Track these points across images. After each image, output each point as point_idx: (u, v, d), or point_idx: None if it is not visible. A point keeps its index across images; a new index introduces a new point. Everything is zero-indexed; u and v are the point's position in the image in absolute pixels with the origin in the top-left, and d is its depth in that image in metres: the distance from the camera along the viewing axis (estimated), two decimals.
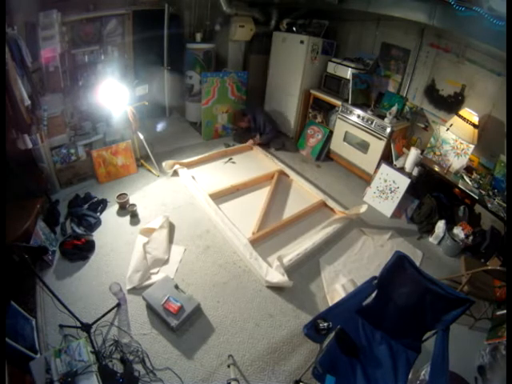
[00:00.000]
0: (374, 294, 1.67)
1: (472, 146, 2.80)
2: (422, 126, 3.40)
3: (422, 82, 3.33)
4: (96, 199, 2.81)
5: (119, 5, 3.33)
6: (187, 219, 2.77)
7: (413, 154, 3.06)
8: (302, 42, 3.76)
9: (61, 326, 1.80)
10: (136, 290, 2.08)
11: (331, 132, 3.92)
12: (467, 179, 2.84)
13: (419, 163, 3.08)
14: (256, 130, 4.12)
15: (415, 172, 3.06)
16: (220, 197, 3.06)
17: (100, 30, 3.26)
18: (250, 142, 4.03)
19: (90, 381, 1.47)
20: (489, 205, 2.55)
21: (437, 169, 3.00)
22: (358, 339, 1.60)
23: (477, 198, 2.63)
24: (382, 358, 1.54)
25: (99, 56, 3.32)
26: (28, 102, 2.32)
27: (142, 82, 3.33)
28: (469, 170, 2.96)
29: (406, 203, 3.16)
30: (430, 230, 2.93)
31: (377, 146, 3.37)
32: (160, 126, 4.32)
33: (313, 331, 1.33)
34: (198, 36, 4.03)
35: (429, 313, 1.54)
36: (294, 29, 3.96)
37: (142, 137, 3.23)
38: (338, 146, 3.88)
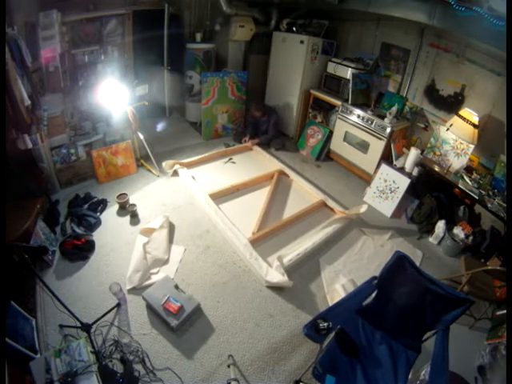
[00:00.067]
0: (374, 294, 1.67)
1: (472, 146, 2.80)
2: (422, 126, 3.40)
3: (422, 82, 3.33)
4: (96, 199, 2.81)
5: (119, 5, 3.33)
6: (187, 219, 2.77)
7: (413, 153, 3.06)
8: (302, 42, 3.76)
9: (61, 326, 1.80)
10: (136, 290, 2.08)
11: (331, 132, 3.92)
12: (467, 179, 2.84)
13: (419, 163, 3.08)
14: (258, 127, 4.12)
15: (415, 172, 3.06)
16: (220, 197, 3.06)
17: (100, 30, 3.26)
18: (250, 142, 4.03)
19: (89, 381, 1.47)
20: (489, 205, 2.55)
21: (437, 169, 3.00)
22: (358, 339, 1.60)
23: (477, 197, 2.63)
24: (381, 358, 1.54)
25: (99, 56, 3.32)
26: (28, 102, 2.32)
27: (141, 82, 3.33)
28: (469, 170, 2.96)
29: (406, 203, 3.16)
30: (430, 230, 2.93)
31: (377, 146, 3.37)
32: (160, 126, 4.32)
33: (313, 331, 1.33)
34: (198, 36, 4.03)
35: (429, 313, 1.54)
36: (294, 29, 3.96)
37: (142, 137, 3.23)
38: (338, 145, 3.88)
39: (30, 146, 2.43)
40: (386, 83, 3.70)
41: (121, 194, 2.83)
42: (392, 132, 3.21)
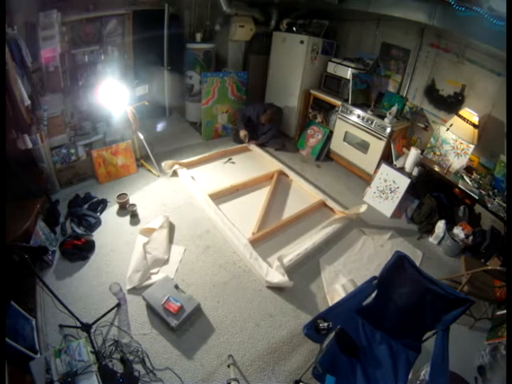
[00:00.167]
0: (373, 294, 1.67)
1: (472, 146, 2.80)
2: (422, 126, 3.40)
3: (422, 81, 3.33)
4: (96, 199, 2.81)
5: (119, 5, 3.33)
6: (187, 219, 2.77)
7: (413, 154, 3.06)
8: (302, 42, 3.76)
9: (61, 326, 1.80)
10: (136, 290, 2.08)
11: (331, 132, 3.92)
12: (467, 179, 2.84)
13: (419, 163, 3.08)
14: (256, 126, 4.10)
15: (415, 172, 3.06)
16: (220, 197, 3.06)
17: (100, 30, 3.25)
18: (248, 140, 4.02)
19: (90, 381, 1.47)
20: (489, 205, 2.55)
21: (437, 169, 3.00)
22: (358, 339, 1.60)
23: (477, 197, 2.63)
24: (382, 358, 1.54)
25: (99, 56, 3.32)
26: (28, 102, 2.32)
27: (141, 82, 3.33)
28: (469, 170, 2.96)
29: (406, 203, 3.16)
30: (430, 230, 2.93)
31: (377, 146, 3.37)
32: (160, 126, 4.32)
33: (313, 331, 1.33)
34: (198, 36, 4.03)
35: (429, 313, 1.54)
36: (294, 29, 3.96)
37: (142, 137, 3.23)
38: (338, 145, 3.88)
39: (30, 145, 2.43)
40: (385, 83, 3.70)
41: (121, 194, 2.83)
42: (392, 132, 3.21)
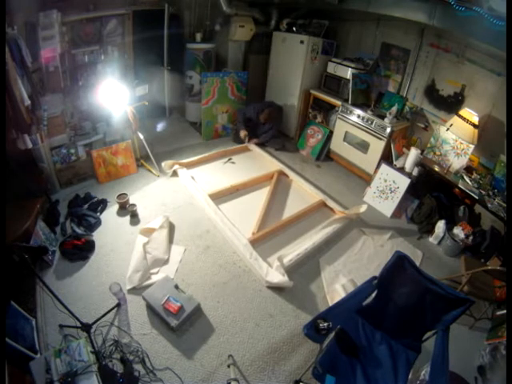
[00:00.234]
0: (373, 294, 1.67)
1: (472, 146, 2.80)
2: (422, 126, 3.40)
3: (422, 81, 3.33)
4: (96, 199, 2.81)
5: (119, 5, 3.33)
6: (187, 219, 2.77)
7: (413, 154, 3.06)
8: (302, 42, 3.76)
9: (61, 326, 1.80)
10: (136, 290, 2.08)
11: (331, 132, 3.92)
12: (467, 179, 2.84)
13: (419, 163, 3.08)
14: (256, 125, 4.09)
15: (415, 172, 3.06)
16: (220, 197, 3.06)
17: (100, 30, 3.25)
18: (248, 139, 4.02)
19: (90, 381, 1.47)
20: (489, 205, 2.55)
21: (437, 169, 3.00)
22: (358, 339, 1.60)
23: (477, 197, 2.63)
24: (382, 358, 1.54)
25: (99, 56, 3.32)
26: (28, 102, 2.32)
27: (141, 82, 3.33)
28: (469, 170, 2.96)
29: (406, 203, 3.16)
30: (430, 230, 2.93)
31: (377, 146, 3.37)
32: (160, 126, 4.32)
33: (313, 331, 1.33)
34: (198, 36, 4.03)
35: (429, 313, 1.54)
36: (294, 29, 3.96)
37: (142, 137, 3.23)
38: (338, 145, 3.88)
39: (30, 145, 2.43)
40: (385, 83, 3.70)
41: (121, 194, 2.83)
42: (392, 132, 3.21)
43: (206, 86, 3.85)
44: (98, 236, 2.48)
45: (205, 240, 2.59)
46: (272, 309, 2.10)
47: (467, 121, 2.71)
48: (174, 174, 3.34)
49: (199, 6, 4.06)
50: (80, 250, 2.28)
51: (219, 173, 3.50)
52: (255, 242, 2.54)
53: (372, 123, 3.36)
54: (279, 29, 4.15)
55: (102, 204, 2.79)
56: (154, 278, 2.17)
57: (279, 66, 4.23)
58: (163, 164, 3.33)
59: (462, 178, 2.86)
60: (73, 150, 2.96)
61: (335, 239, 2.74)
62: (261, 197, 3.11)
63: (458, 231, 2.72)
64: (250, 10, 4.10)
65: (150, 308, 1.96)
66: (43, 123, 2.64)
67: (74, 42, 3.06)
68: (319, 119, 4.11)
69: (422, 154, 3.12)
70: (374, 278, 1.65)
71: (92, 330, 1.74)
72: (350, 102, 3.57)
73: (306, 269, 2.42)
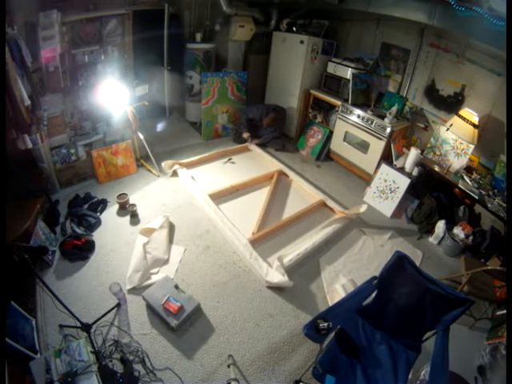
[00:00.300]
0: (373, 294, 1.67)
1: (472, 146, 2.80)
2: (422, 126, 3.40)
3: (422, 82, 3.33)
4: (96, 199, 2.81)
5: (119, 5, 3.33)
6: (187, 219, 2.77)
7: (413, 154, 3.06)
8: (302, 41, 3.76)
9: (61, 326, 1.81)
10: (136, 290, 2.08)
11: (331, 132, 3.92)
12: (467, 179, 2.84)
13: (419, 163, 3.08)
14: (257, 127, 4.09)
15: (415, 172, 3.06)
16: (220, 197, 3.06)
17: (100, 30, 3.25)
18: (250, 140, 4.02)
19: (90, 381, 1.47)
20: (489, 205, 2.55)
21: (437, 169, 3.00)
22: (358, 339, 1.60)
23: (477, 197, 2.63)
24: (382, 358, 1.54)
25: (99, 56, 3.32)
26: (28, 102, 2.32)
27: (141, 82, 3.33)
28: (469, 170, 2.96)
29: (406, 203, 3.16)
30: (430, 230, 2.93)
31: (377, 146, 3.37)
32: (160, 126, 4.32)
33: (313, 331, 1.33)
34: (198, 36, 4.03)
35: (429, 313, 1.54)
36: (294, 29, 3.96)
37: (142, 137, 3.23)
38: (338, 145, 3.88)
39: (30, 145, 2.43)
40: (385, 83, 3.70)
41: (121, 194, 2.83)
42: (392, 132, 3.21)
43: (206, 86, 3.85)
44: (98, 236, 2.48)
45: (205, 240, 2.59)
46: (272, 309, 2.10)
47: (467, 121, 2.71)
48: (174, 174, 3.34)
49: (199, 5, 4.06)
50: (80, 250, 2.28)
51: (219, 173, 3.50)
52: (255, 242, 2.54)
53: (372, 123, 3.36)
54: (279, 29, 4.15)
55: (102, 204, 2.79)
56: (154, 278, 2.17)
57: (279, 66, 4.23)
58: (163, 164, 3.33)
59: (462, 177, 2.86)
60: (73, 150, 2.96)
61: (335, 239, 2.74)
62: (261, 197, 3.11)
63: (458, 231, 2.72)
64: (249, 10, 4.09)
65: (150, 308, 1.96)
66: (43, 123, 2.64)
67: (73, 42, 3.06)
68: (319, 119, 4.11)
69: (422, 153, 3.12)
70: (374, 277, 1.65)
71: (92, 330, 1.74)
72: (349, 102, 3.57)
73: (305, 269, 2.42)
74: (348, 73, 3.60)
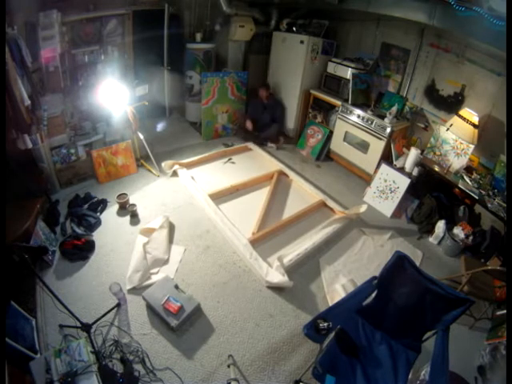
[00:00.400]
0: (374, 294, 1.67)
1: (472, 146, 2.80)
2: (422, 126, 3.40)
3: (422, 82, 3.33)
4: (96, 199, 2.81)
5: (119, 5, 3.33)
6: (187, 219, 2.77)
7: (413, 154, 3.06)
8: (302, 42, 3.76)
9: (61, 326, 1.81)
10: (136, 290, 2.08)
11: (331, 132, 3.92)
12: (467, 179, 2.84)
13: (419, 163, 3.08)
14: (260, 117, 4.10)
15: (415, 172, 3.06)
16: (220, 197, 3.06)
17: (100, 30, 3.25)
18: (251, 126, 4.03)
19: (90, 381, 1.47)
20: (489, 205, 2.55)
21: (437, 169, 3.00)
22: (357, 339, 1.60)
23: (477, 197, 2.63)
24: (382, 358, 1.54)
25: (99, 56, 3.32)
26: (28, 102, 2.32)
27: (141, 82, 3.33)
28: (469, 170, 2.96)
29: (406, 203, 3.16)
30: (430, 230, 2.93)
31: (377, 146, 3.37)
32: (160, 126, 4.32)
33: (313, 331, 1.33)
34: (198, 36, 4.03)
35: (429, 313, 1.54)
36: (294, 29, 3.96)
37: (142, 137, 3.23)
38: (338, 145, 3.88)
39: (30, 145, 2.43)
40: (385, 83, 3.70)
41: (121, 194, 2.83)
42: (392, 132, 3.21)
43: (206, 86, 3.85)
44: (98, 236, 2.48)
45: (205, 240, 2.59)
46: (272, 309, 2.10)
47: (467, 121, 2.71)
48: (174, 174, 3.34)
49: (199, 5, 4.06)
50: (80, 250, 2.28)
51: (219, 173, 3.50)
52: (255, 242, 2.54)
53: (372, 123, 3.36)
54: (279, 29, 4.15)
55: (102, 204, 2.79)
56: (154, 278, 2.17)
57: (279, 66, 4.23)
58: (163, 164, 3.33)
59: (462, 178, 2.86)
60: (73, 150, 2.96)
61: (335, 239, 2.74)
62: (261, 197, 3.11)
63: (458, 231, 2.72)
64: (249, 10, 4.09)
65: (150, 308, 1.96)
66: (43, 123, 2.64)
67: (74, 42, 3.06)
68: (319, 119, 4.11)
69: (422, 153, 3.12)
70: (374, 277, 1.65)
71: (92, 330, 1.74)
72: (350, 102, 3.57)
73: (305, 269, 2.42)
74: (348, 73, 3.59)
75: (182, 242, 2.54)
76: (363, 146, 3.55)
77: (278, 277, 2.20)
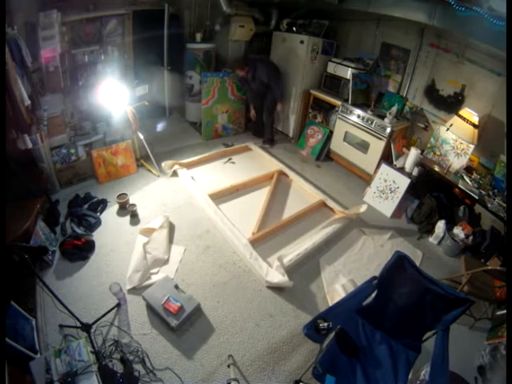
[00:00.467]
0: (373, 294, 1.67)
1: (472, 146, 2.80)
2: (422, 126, 3.40)
3: (422, 82, 3.33)
4: (96, 199, 2.81)
5: (119, 5, 3.33)
6: (187, 219, 2.77)
7: (413, 153, 3.06)
8: (302, 42, 3.76)
9: (61, 326, 1.81)
10: (136, 290, 2.08)
11: (331, 132, 3.92)
12: (467, 179, 2.84)
13: (419, 163, 3.08)
14: (253, 91, 3.90)
15: (415, 172, 3.06)
16: (220, 197, 3.06)
17: (100, 30, 3.25)
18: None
19: (90, 381, 1.47)
20: (489, 205, 2.55)
21: (437, 169, 3.00)
22: (358, 339, 1.60)
23: (477, 197, 2.63)
24: (382, 358, 1.54)
25: (99, 56, 3.32)
26: (28, 102, 2.32)
27: (141, 82, 3.33)
28: (469, 170, 2.96)
29: (406, 203, 3.16)
30: (430, 230, 2.93)
31: (377, 146, 3.37)
32: (160, 126, 4.32)
33: (313, 331, 1.33)
34: (198, 36, 4.02)
35: (429, 313, 1.54)
36: (294, 29, 3.96)
37: (142, 137, 3.23)
38: (338, 145, 3.88)
39: (30, 145, 2.43)
40: (386, 83, 3.70)
41: (121, 194, 2.83)
42: (392, 132, 3.21)
43: (206, 86, 3.85)
44: (98, 236, 2.48)
45: (205, 240, 2.59)
46: (272, 309, 2.10)
47: (467, 121, 2.71)
48: (174, 174, 3.34)
49: (199, 5, 4.05)
50: (80, 250, 2.28)
51: (219, 173, 3.50)
52: (255, 242, 2.54)
53: (372, 123, 3.36)
54: (279, 29, 4.15)
55: (102, 204, 2.79)
56: (154, 278, 2.17)
57: (279, 66, 4.20)
58: (163, 164, 3.33)
59: (462, 178, 2.86)
60: (73, 150, 2.96)
61: (335, 239, 2.74)
62: (261, 197, 3.11)
63: (458, 231, 2.72)
64: (249, 10, 4.09)
65: (150, 308, 1.96)
66: (43, 123, 2.64)
67: (74, 42, 3.06)
68: (319, 119, 4.11)
69: (422, 153, 3.12)
70: (374, 277, 1.65)
71: (92, 330, 1.74)
72: (350, 102, 3.57)
73: (305, 269, 2.42)
74: (348, 73, 3.59)
75: (182, 242, 2.54)
76: (363, 146, 3.55)
77: (277, 277, 2.20)
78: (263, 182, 3.37)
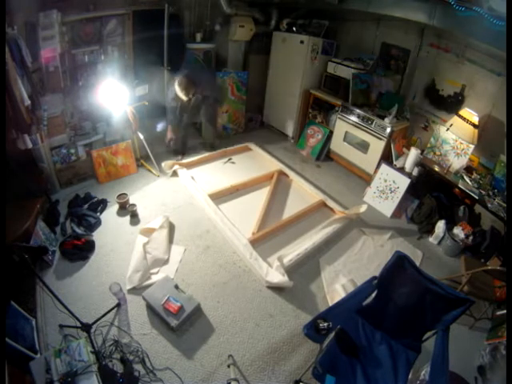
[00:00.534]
0: (373, 294, 1.67)
1: (472, 146, 2.80)
2: (422, 126, 3.41)
3: (421, 82, 3.34)
4: (96, 199, 2.81)
5: (119, 5, 3.32)
6: (187, 219, 2.77)
7: (413, 154, 3.06)
8: (301, 41, 3.76)
9: (61, 326, 1.80)
10: (136, 290, 2.08)
11: (331, 132, 3.92)
12: (467, 179, 2.84)
13: (419, 163, 3.08)
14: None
15: (415, 172, 3.06)
16: (220, 197, 3.06)
17: (100, 30, 3.25)
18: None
19: (90, 381, 1.47)
20: (489, 205, 2.55)
21: (437, 169, 3.00)
22: (357, 339, 1.60)
23: (477, 197, 2.63)
24: (382, 358, 1.54)
25: (99, 56, 3.31)
26: (28, 102, 2.32)
27: (141, 82, 3.34)
28: (469, 170, 2.96)
29: (406, 203, 3.16)
30: (430, 230, 2.93)
31: (377, 146, 3.37)
32: (160, 126, 4.31)
33: (313, 331, 1.33)
34: (198, 36, 4.02)
35: (429, 313, 1.54)
36: (294, 29, 3.96)
37: (141, 137, 3.23)
38: (338, 146, 3.88)
39: (30, 145, 2.43)
40: (386, 83, 3.69)
41: (121, 194, 2.83)
42: (392, 132, 3.21)
43: None
44: (98, 236, 2.48)
45: (205, 240, 2.59)
46: (272, 309, 2.10)
47: (467, 121, 2.71)
48: (174, 173, 3.34)
49: (199, 5, 4.05)
50: (80, 250, 2.28)
51: (219, 173, 3.50)
52: (255, 242, 2.54)
53: (372, 123, 3.36)
54: (279, 29, 4.15)
55: (102, 204, 2.79)
56: (154, 278, 2.17)
57: (279, 66, 4.22)
58: (163, 164, 3.33)
59: (462, 177, 2.86)
60: (73, 150, 2.96)
61: (335, 239, 2.74)
62: (261, 197, 3.11)
63: (458, 231, 2.72)
64: (249, 10, 4.09)
65: (150, 308, 1.96)
66: (43, 123, 2.64)
67: (74, 42, 3.05)
68: (319, 119, 4.11)
69: (422, 153, 3.12)
70: (374, 277, 1.65)
71: (92, 330, 1.74)
72: (350, 101, 3.57)
73: (305, 269, 2.42)
74: (348, 73, 3.59)
75: (182, 241, 2.54)
76: (363, 146, 3.55)
77: (278, 277, 2.20)
78: (263, 182, 3.37)
